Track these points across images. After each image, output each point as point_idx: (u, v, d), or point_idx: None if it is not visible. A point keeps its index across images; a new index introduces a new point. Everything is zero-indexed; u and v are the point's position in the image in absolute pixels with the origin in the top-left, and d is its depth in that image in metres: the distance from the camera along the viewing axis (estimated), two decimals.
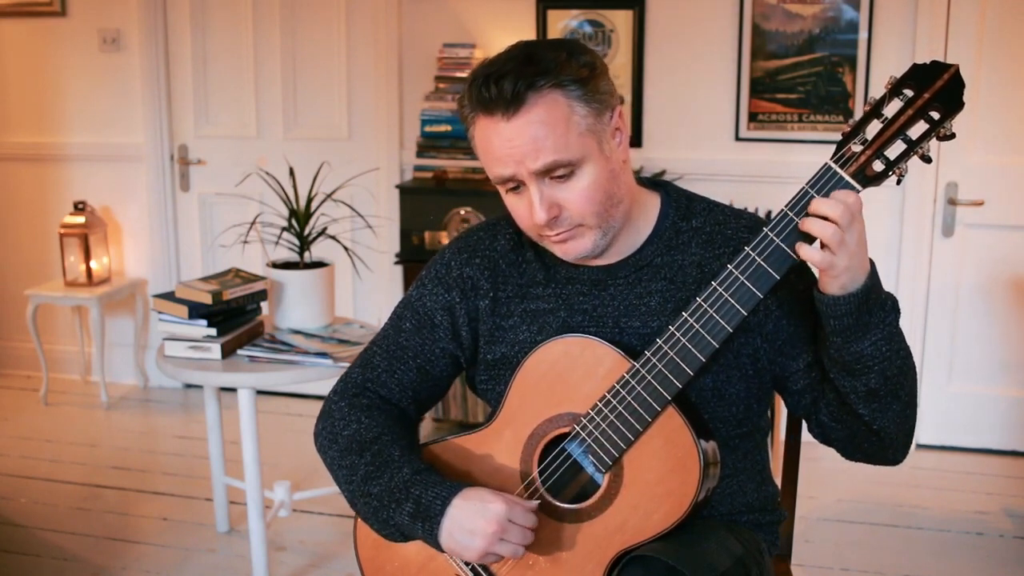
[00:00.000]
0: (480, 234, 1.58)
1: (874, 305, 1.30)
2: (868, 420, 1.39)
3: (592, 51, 1.39)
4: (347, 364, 2.60)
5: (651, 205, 1.50)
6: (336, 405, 1.55)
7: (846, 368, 1.35)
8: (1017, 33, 3.41)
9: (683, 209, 1.50)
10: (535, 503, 1.40)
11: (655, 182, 1.55)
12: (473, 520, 1.34)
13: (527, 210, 1.39)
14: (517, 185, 1.38)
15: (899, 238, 3.60)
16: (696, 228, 1.48)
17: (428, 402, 1.60)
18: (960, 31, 3.43)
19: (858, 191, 1.25)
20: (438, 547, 1.38)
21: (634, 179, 1.48)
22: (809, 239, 1.26)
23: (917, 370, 1.44)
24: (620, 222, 1.43)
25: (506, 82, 1.31)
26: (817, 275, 1.30)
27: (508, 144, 1.33)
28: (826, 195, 1.26)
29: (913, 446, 3.70)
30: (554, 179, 1.35)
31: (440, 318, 1.54)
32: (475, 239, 1.57)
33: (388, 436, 1.48)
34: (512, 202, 1.42)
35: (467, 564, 1.46)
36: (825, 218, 1.24)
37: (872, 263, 1.30)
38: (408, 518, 1.39)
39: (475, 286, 1.53)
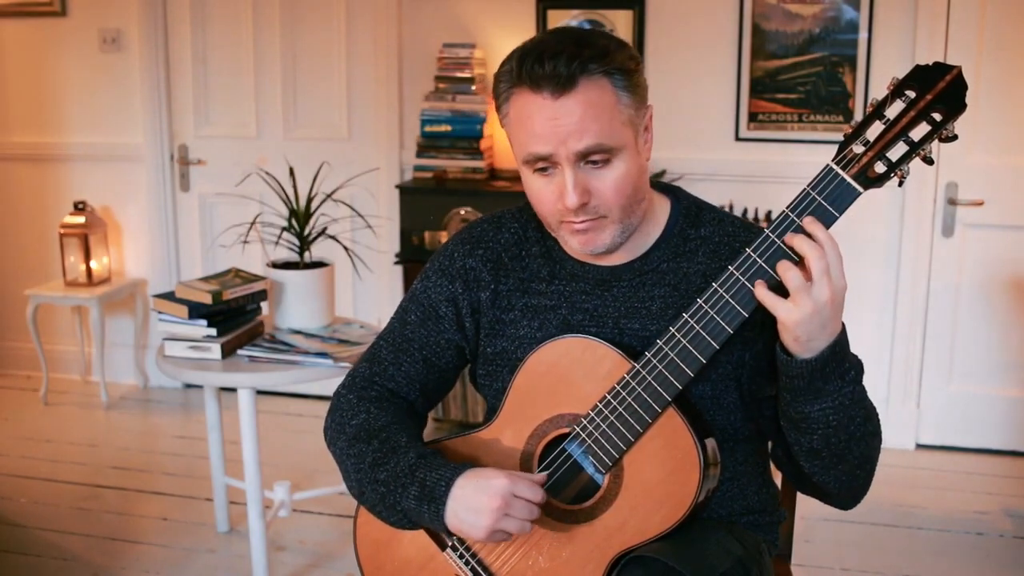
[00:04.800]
0: (484, 226, 1.57)
1: (831, 373, 1.29)
2: (808, 473, 1.41)
3: (632, 47, 1.39)
4: (347, 364, 2.60)
5: (661, 209, 1.49)
6: (345, 398, 1.55)
7: (790, 421, 1.36)
8: (1017, 33, 3.41)
9: (692, 217, 1.49)
10: (542, 476, 1.39)
11: (665, 186, 1.54)
12: (477, 498, 1.33)
13: (554, 194, 1.37)
14: (547, 167, 1.36)
15: (899, 238, 3.60)
16: (704, 237, 1.48)
17: (436, 395, 1.60)
18: (960, 31, 3.43)
19: (860, 192, 1.25)
20: (446, 530, 1.37)
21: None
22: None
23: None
24: (638, 221, 1.43)
25: (560, 61, 1.29)
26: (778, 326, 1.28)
27: (552, 123, 1.32)
28: (827, 197, 1.25)
29: (913, 446, 3.71)
30: (589, 164, 1.34)
31: (444, 309, 1.54)
32: (479, 231, 1.57)
33: (396, 425, 1.48)
34: (538, 185, 1.39)
35: (467, 564, 1.46)
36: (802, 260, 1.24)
37: (843, 327, 1.29)
38: (414, 502, 1.38)
39: (477, 277, 1.53)
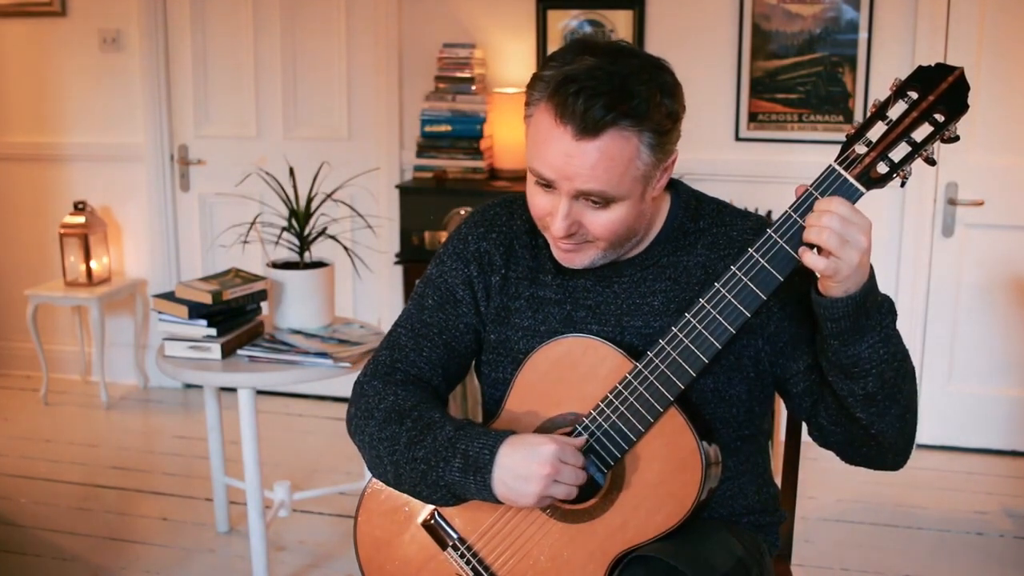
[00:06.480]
0: (497, 210, 1.58)
1: (871, 308, 1.29)
2: (866, 424, 1.38)
3: (679, 89, 1.38)
4: (347, 364, 2.60)
5: (662, 205, 1.50)
6: (369, 385, 1.51)
7: (843, 371, 1.34)
8: (1017, 33, 3.41)
9: (691, 210, 1.50)
10: (582, 439, 1.37)
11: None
12: (526, 465, 1.32)
13: (545, 208, 1.39)
14: (548, 185, 1.37)
15: (899, 238, 3.61)
16: (702, 229, 1.48)
17: (455, 378, 1.59)
18: (960, 31, 3.43)
19: (862, 193, 1.25)
20: (494, 499, 1.34)
21: None
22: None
23: (916, 370, 1.43)
24: (628, 247, 1.45)
25: (596, 105, 1.27)
26: (819, 280, 1.29)
27: (565, 158, 1.31)
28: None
29: (913, 446, 3.70)
30: (587, 201, 1.35)
31: (462, 293, 1.54)
32: (492, 214, 1.57)
33: (426, 404, 1.46)
34: (535, 192, 1.40)
35: (468, 564, 1.46)
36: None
37: (870, 266, 1.30)
38: (459, 474, 1.35)
39: (490, 261, 1.53)
